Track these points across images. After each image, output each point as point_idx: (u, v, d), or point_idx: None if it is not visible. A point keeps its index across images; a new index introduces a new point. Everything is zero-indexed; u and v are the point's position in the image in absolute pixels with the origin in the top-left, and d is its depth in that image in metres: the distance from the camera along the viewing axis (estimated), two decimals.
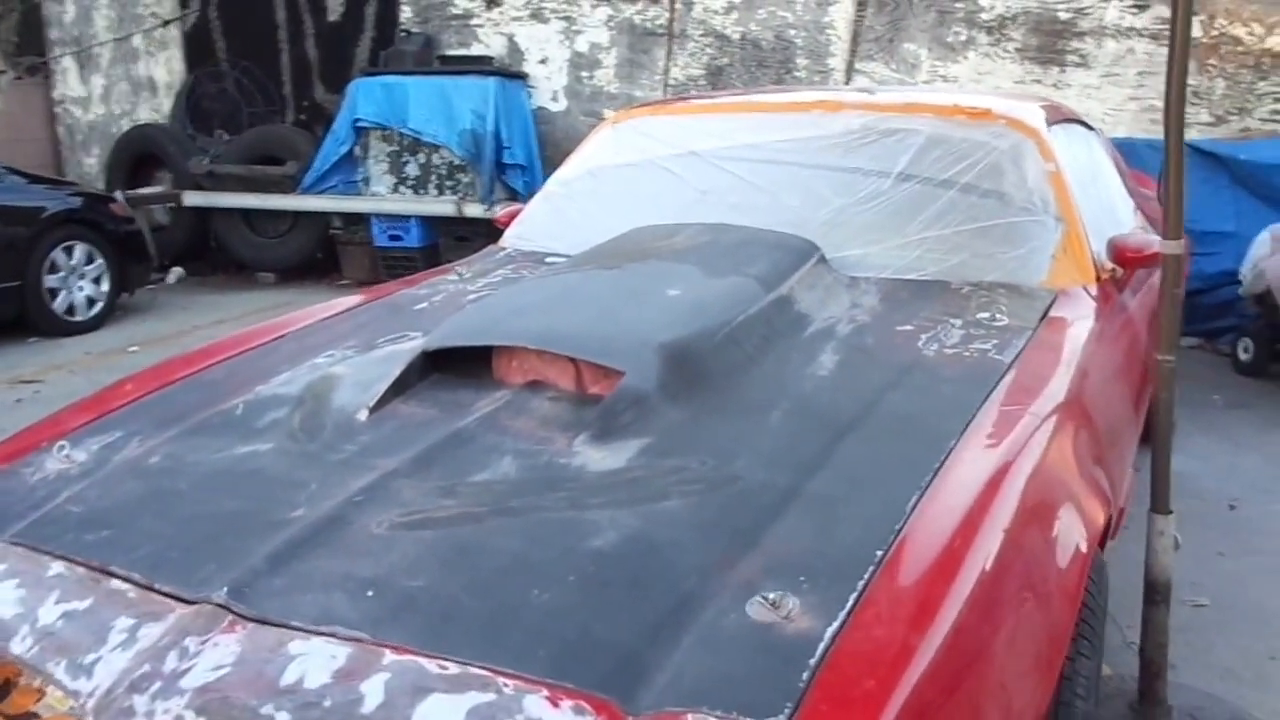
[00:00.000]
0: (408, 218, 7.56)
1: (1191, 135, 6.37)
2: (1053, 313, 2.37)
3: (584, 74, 7.64)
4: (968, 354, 2.11)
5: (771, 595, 1.35)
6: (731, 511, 1.58)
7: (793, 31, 7.10)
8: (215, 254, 8.62)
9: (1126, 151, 5.77)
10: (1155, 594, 2.31)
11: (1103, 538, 1.85)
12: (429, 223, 7.62)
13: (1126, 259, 2.67)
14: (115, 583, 1.51)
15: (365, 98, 7.52)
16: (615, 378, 1.94)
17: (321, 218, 8.05)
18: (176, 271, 8.46)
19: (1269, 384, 5.29)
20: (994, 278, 2.53)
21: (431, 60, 7.78)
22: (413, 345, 2.22)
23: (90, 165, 9.36)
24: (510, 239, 3.26)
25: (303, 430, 1.94)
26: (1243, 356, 5.49)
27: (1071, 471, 1.81)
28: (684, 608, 1.36)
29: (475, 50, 7.88)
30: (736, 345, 2.08)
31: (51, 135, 9.54)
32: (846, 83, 6.94)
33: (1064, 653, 1.56)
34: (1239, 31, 6.32)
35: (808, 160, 2.94)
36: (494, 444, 1.81)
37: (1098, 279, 2.60)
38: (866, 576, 1.40)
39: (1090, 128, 3.66)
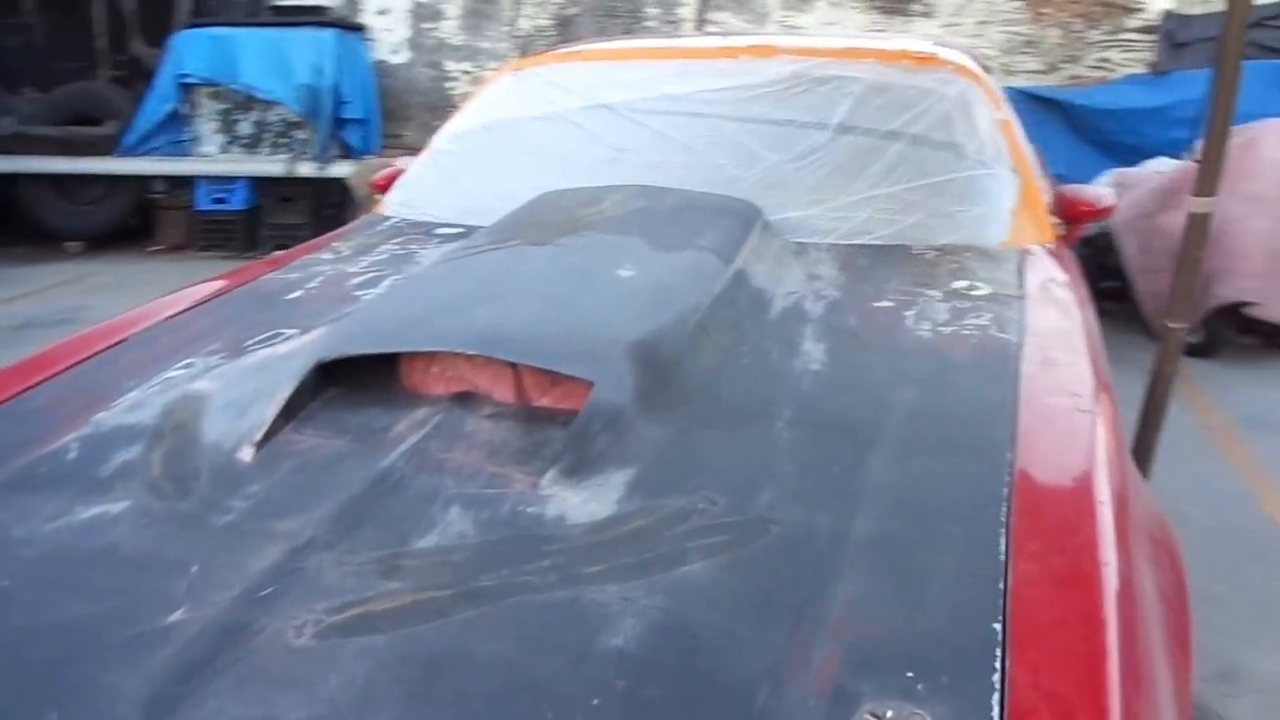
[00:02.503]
0: (235, 179, 6.71)
1: (1019, 82, 6.26)
2: (1028, 275, 2.01)
3: (426, 25, 6.92)
4: (967, 333, 1.71)
5: (887, 712, 0.92)
6: (778, 573, 1.13)
7: None
8: (19, 223, 7.47)
9: None
10: None
11: None
12: (257, 184, 6.79)
13: (1079, 213, 2.33)
14: None
15: (191, 51, 6.59)
16: (571, 387, 1.45)
17: (139, 181, 7.05)
18: None
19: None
20: (953, 239, 2.13)
21: (264, 11, 6.88)
22: (293, 348, 1.67)
23: None
24: (393, 205, 2.67)
25: (166, 479, 1.37)
26: None
27: (1133, 469, 1.44)
28: None
29: (311, 0, 7.02)
30: (708, 338, 1.62)
31: None
32: (698, 31, 6.48)
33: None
34: None
35: (736, 113, 2.47)
36: (434, 489, 1.30)
37: (1053, 236, 2.26)
38: (999, 664, 0.98)
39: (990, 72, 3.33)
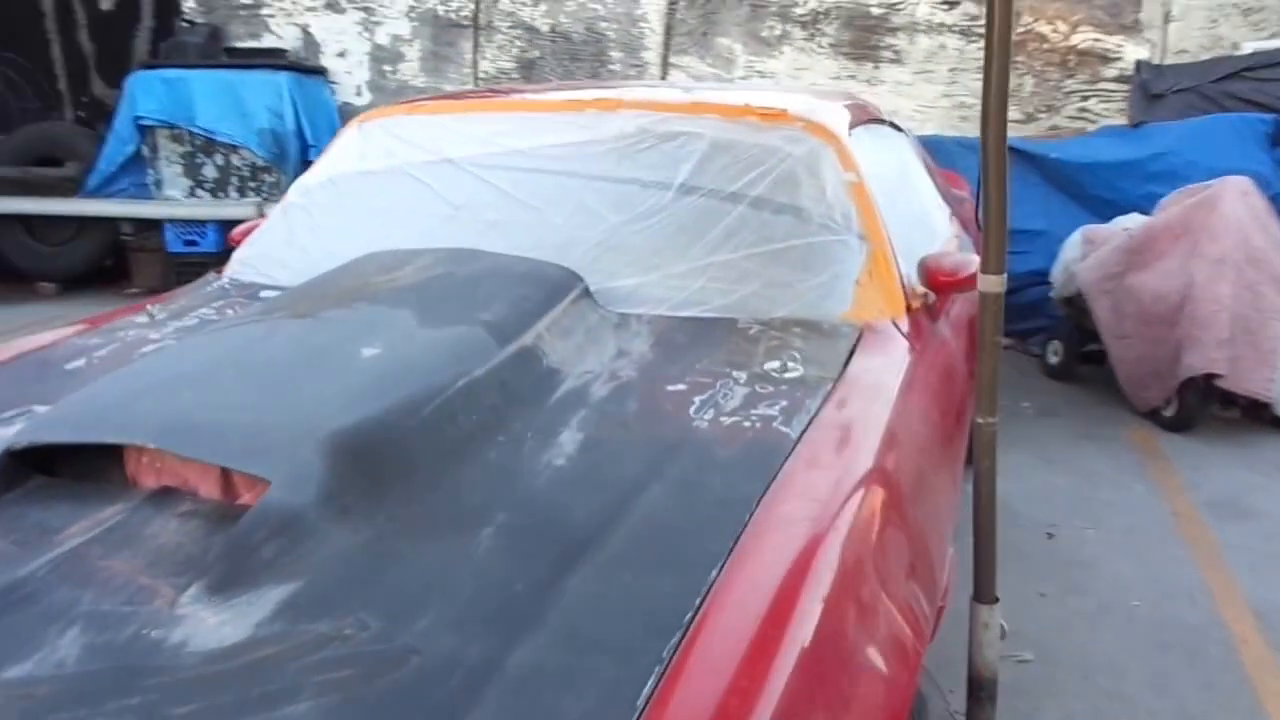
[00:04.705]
0: (204, 222, 6.70)
1: None
2: (856, 357, 1.88)
3: (387, 68, 6.92)
4: (748, 425, 1.58)
5: None
6: (393, 715, 1.01)
7: (604, 24, 6.55)
8: None
9: (937, 149, 5.43)
10: (980, 690, 1.85)
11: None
12: (228, 226, 6.76)
13: (940, 283, 2.20)
14: None
15: (145, 93, 6.59)
16: (264, 487, 1.34)
17: (110, 223, 7.07)
18: None
19: (1077, 389, 4.98)
20: (788, 312, 2.02)
21: (218, 53, 6.91)
22: (10, 431, 1.57)
23: None
24: (234, 264, 2.58)
25: None
26: (1052, 359, 5.19)
27: (874, 602, 1.30)
28: None
29: (267, 42, 7.04)
30: (449, 426, 1.51)
31: None
32: (663, 78, 6.44)
33: None
34: (1044, 29, 6.08)
35: (579, 169, 2.37)
36: (65, 604, 1.19)
37: (908, 309, 2.13)
38: None
39: (899, 129, 3.22)
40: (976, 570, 1.80)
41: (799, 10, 6.25)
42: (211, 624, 1.15)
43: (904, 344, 2.02)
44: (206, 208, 6.72)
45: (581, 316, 1.92)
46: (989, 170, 1.70)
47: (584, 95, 2.66)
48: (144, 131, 6.70)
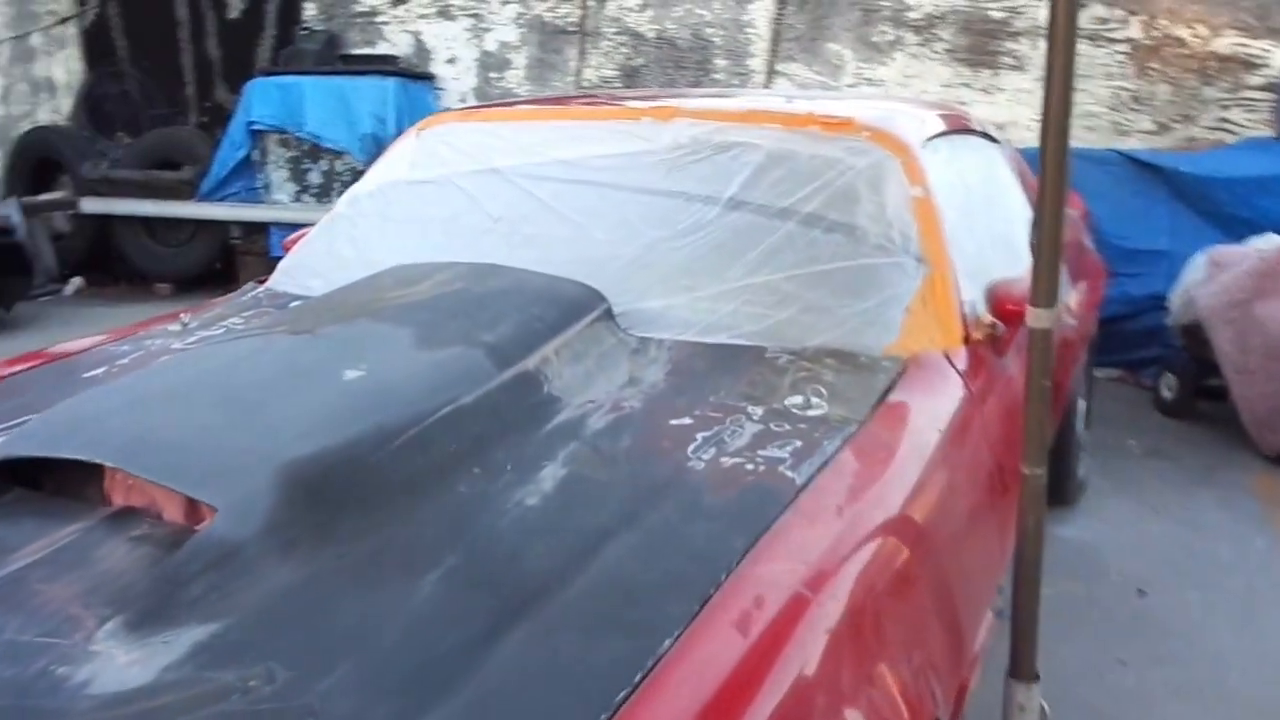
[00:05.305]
0: (306, 226, 6.84)
1: (1131, 144, 5.77)
2: (894, 393, 1.71)
3: (493, 74, 6.95)
4: (750, 468, 1.44)
5: None
6: None
7: (710, 30, 6.42)
8: (116, 264, 7.87)
9: None
10: None
11: None
12: None
13: (1008, 312, 2.01)
14: None
15: (260, 99, 6.78)
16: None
17: (222, 226, 7.31)
18: (75, 282, 7.70)
19: (1192, 428, 4.52)
20: (823, 341, 1.86)
21: (334, 59, 7.06)
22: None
23: None
24: (278, 273, 2.57)
25: None
26: (1166, 394, 4.74)
27: (861, 682, 1.15)
28: None
29: (381, 49, 7.15)
30: (422, 456, 1.41)
31: None
32: (767, 85, 6.28)
33: None
34: (1182, 33, 5.68)
35: (625, 181, 2.26)
36: None
37: (967, 340, 1.95)
38: None
39: (993, 139, 3.00)
40: (1014, 641, 1.61)
41: (913, 15, 6.00)
42: (120, 663, 1.08)
43: (956, 380, 1.84)
44: (309, 212, 6.85)
45: (596, 340, 1.80)
46: (1046, 189, 1.52)
47: (643, 103, 2.55)
48: (256, 136, 6.89)
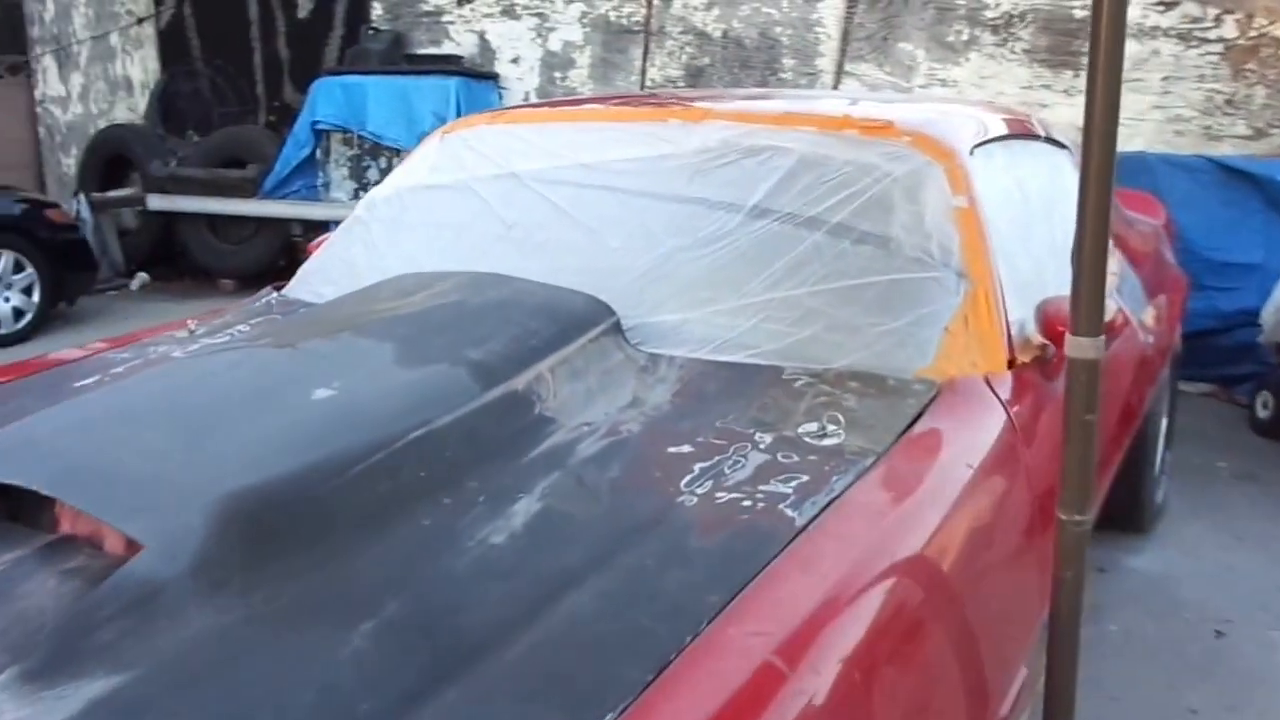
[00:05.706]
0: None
1: (1224, 150, 5.45)
2: (923, 421, 1.55)
3: (557, 74, 6.86)
4: (747, 505, 1.30)
5: None
6: None
7: (779, 29, 6.24)
8: (181, 259, 7.99)
9: (1138, 169, 4.86)
10: None
11: None
12: None
13: (1060, 334, 1.81)
14: None
15: (324, 99, 6.82)
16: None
17: (284, 223, 7.36)
18: (141, 277, 7.85)
19: None
20: (849, 362, 1.70)
21: (399, 59, 7.05)
22: None
23: (69, 166, 8.78)
24: (293, 280, 2.49)
25: None
26: (1261, 413, 4.45)
27: None
28: None
29: (446, 49, 7.12)
30: (384, 485, 1.29)
31: (33, 135, 8.97)
32: (835, 86, 6.08)
33: None
34: None
35: (647, 186, 2.13)
36: None
37: (1012, 364, 1.77)
38: None
39: (1061, 145, 2.79)
40: (1048, 702, 1.43)
41: (990, 13, 5.75)
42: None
43: (997, 407, 1.66)
44: None
45: (601, 356, 1.67)
46: (1088, 202, 1.34)
47: (672, 105, 2.41)
48: (319, 135, 6.92)
